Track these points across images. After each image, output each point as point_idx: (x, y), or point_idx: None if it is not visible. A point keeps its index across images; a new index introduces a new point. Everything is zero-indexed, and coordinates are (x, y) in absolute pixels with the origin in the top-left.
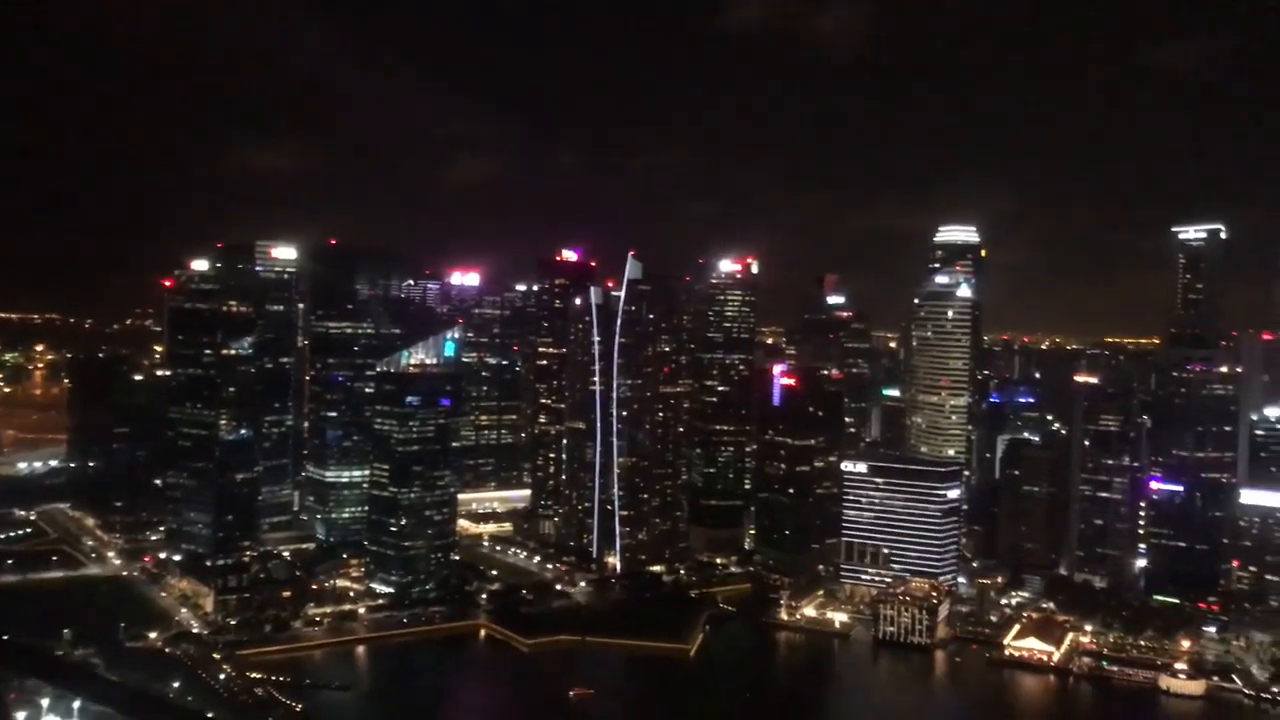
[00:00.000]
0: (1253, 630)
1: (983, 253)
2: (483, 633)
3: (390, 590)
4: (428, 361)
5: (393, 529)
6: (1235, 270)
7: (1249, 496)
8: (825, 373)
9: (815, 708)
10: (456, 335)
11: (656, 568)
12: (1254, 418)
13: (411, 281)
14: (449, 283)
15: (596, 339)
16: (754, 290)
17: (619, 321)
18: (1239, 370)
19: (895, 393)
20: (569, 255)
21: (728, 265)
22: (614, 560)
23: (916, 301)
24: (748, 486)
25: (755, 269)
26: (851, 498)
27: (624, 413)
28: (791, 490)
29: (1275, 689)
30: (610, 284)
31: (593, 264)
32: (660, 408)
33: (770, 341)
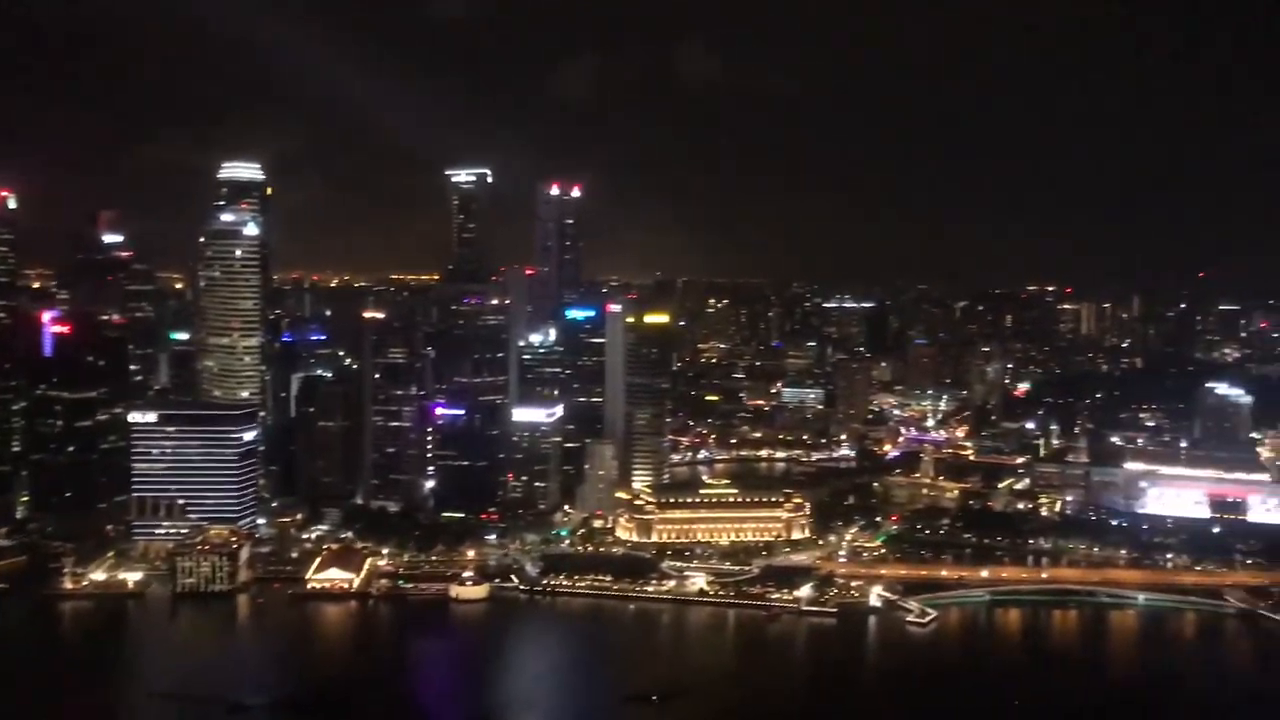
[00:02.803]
0: (526, 533)
1: (269, 190)
2: None
3: None
4: None
5: None
6: (501, 211)
7: (519, 414)
8: (104, 318)
9: (107, 673)
10: None
11: None
12: (520, 344)
13: None
14: None
15: None
16: (12, 227)
17: None
18: (508, 302)
19: (185, 336)
20: None
21: None
22: None
23: (203, 240)
24: (17, 449)
25: (12, 204)
26: (141, 450)
27: None
28: (71, 448)
29: (545, 582)
30: None
31: None
32: None
33: (37, 285)
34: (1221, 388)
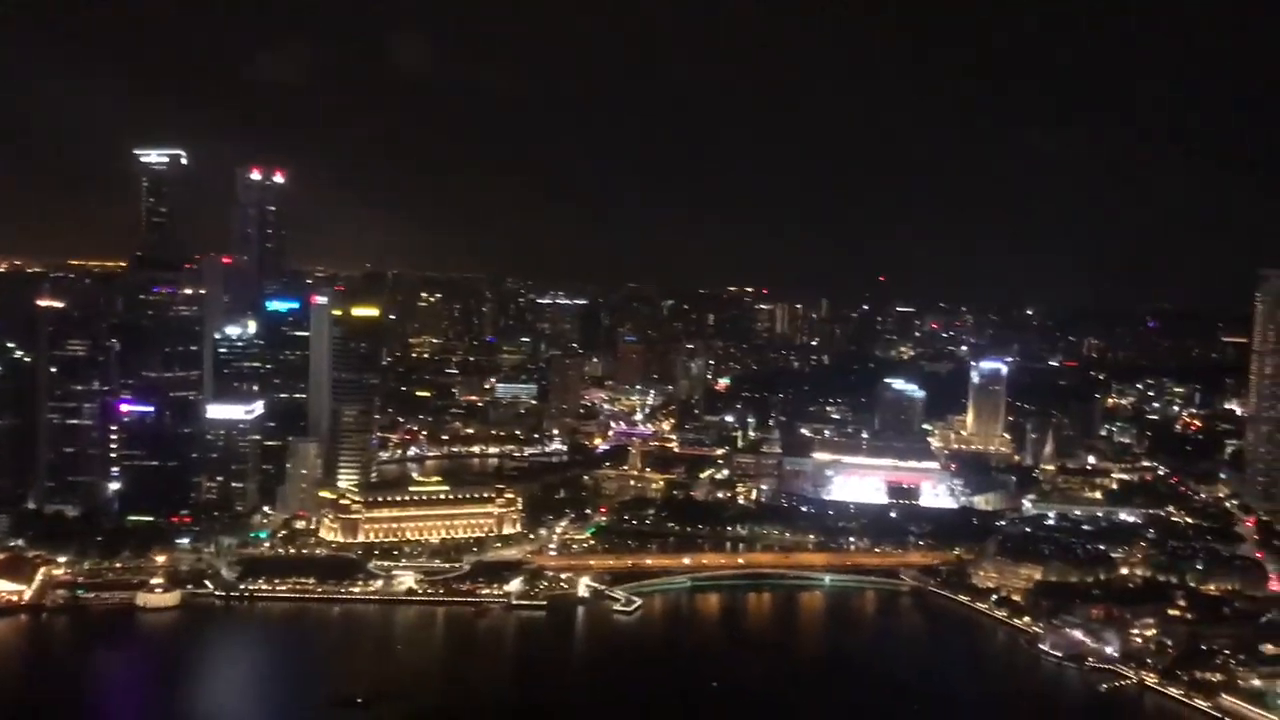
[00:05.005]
0: (222, 536)
1: None
2: None
3: None
4: None
5: None
6: (197, 195)
7: (214, 411)
8: None
9: None
10: None
11: None
12: (216, 337)
13: None
14: None
15: None
16: None
17: None
18: (202, 292)
19: None
20: None
21: None
22: None
23: None
24: None
25: None
26: None
27: None
28: None
29: (243, 587)
30: None
31: None
32: None
33: None
34: (898, 383)
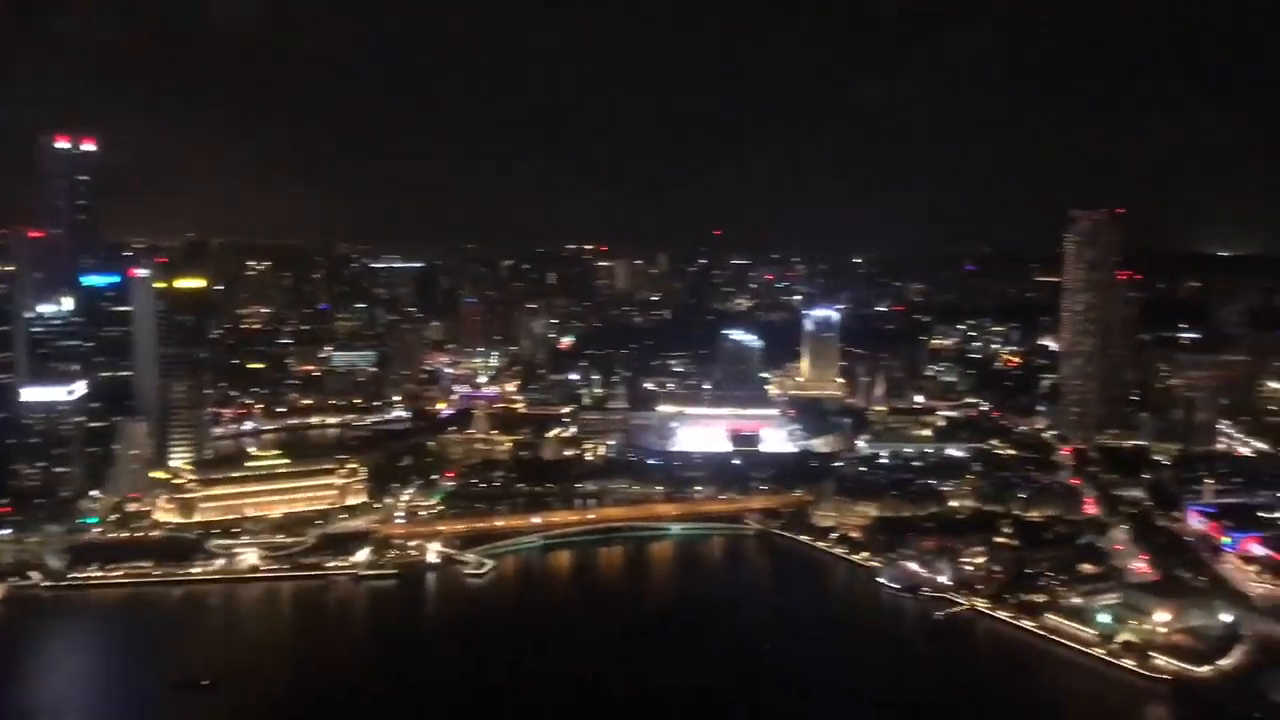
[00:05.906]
0: (46, 524)
1: None
2: None
3: None
4: None
5: None
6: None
7: (30, 394)
8: None
9: None
10: None
11: None
12: (29, 315)
13: None
14: None
15: None
16: None
17: None
18: (10, 268)
19: None
20: None
21: None
22: None
23: None
24: None
25: None
26: None
27: None
28: None
29: (73, 575)
30: None
31: None
32: None
33: None
34: (736, 334)
